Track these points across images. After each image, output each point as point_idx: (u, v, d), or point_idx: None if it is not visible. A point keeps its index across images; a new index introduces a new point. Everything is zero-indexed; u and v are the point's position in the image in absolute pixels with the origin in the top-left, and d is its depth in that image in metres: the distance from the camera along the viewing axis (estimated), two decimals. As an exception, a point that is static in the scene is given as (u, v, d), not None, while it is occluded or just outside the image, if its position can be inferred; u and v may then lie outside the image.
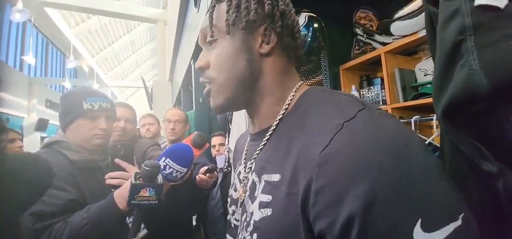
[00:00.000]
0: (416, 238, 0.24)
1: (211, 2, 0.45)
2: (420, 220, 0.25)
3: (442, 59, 0.32)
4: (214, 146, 1.92)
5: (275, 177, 0.37)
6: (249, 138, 0.50)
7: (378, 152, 0.27)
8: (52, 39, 9.36)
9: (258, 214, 0.37)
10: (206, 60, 0.44)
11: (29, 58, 6.45)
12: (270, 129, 0.42)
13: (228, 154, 1.49)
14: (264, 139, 0.42)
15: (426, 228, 0.24)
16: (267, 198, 0.37)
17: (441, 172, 0.28)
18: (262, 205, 0.37)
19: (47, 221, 0.72)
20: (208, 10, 0.45)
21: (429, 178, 0.27)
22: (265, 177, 0.39)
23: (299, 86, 0.43)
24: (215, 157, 1.76)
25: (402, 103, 1.27)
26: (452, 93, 0.30)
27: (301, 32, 1.21)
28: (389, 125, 0.31)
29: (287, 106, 0.42)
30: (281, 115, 0.41)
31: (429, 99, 1.13)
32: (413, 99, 1.23)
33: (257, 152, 0.43)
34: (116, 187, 0.81)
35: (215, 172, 1.28)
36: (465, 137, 0.31)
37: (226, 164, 1.52)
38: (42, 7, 6.89)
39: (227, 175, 1.54)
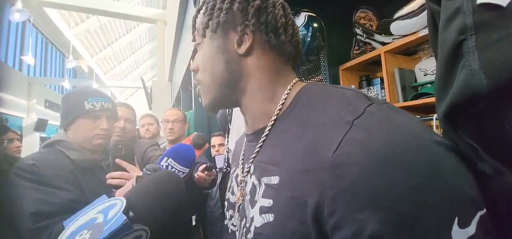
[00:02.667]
0: (455, 237, 0.23)
1: (197, 9, 0.46)
2: (456, 218, 0.24)
3: (443, 60, 0.31)
4: (214, 146, 1.92)
5: (275, 179, 0.35)
6: (245, 138, 0.48)
7: (399, 151, 0.25)
8: (51, 39, 9.34)
9: (259, 220, 0.35)
10: (196, 63, 0.45)
11: (29, 58, 6.43)
12: (266, 129, 0.40)
13: (227, 154, 1.49)
14: (260, 140, 0.41)
15: (462, 224, 0.24)
16: (268, 202, 0.35)
17: (458, 161, 0.27)
18: (263, 210, 0.35)
19: (48, 221, 0.72)
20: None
21: (453, 171, 0.26)
22: (265, 180, 0.37)
23: (294, 83, 0.41)
24: (214, 156, 1.76)
25: (402, 104, 1.27)
26: (453, 94, 0.29)
27: (301, 32, 1.22)
28: (401, 119, 0.29)
29: (282, 104, 0.40)
30: (276, 114, 0.40)
31: (429, 99, 1.14)
32: (413, 99, 1.23)
33: (254, 154, 0.41)
34: (117, 187, 0.81)
35: (214, 170, 1.29)
36: (462, 137, 0.30)
37: (225, 164, 1.51)
38: (42, 7, 6.88)
39: (226, 176, 1.54)
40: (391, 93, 1.30)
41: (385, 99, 1.34)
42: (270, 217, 0.34)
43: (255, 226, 0.36)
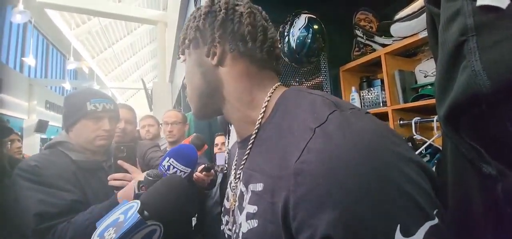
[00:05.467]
0: None
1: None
2: (399, 225, 0.24)
3: (444, 61, 0.32)
4: (217, 144, 1.94)
5: (259, 187, 0.36)
6: (237, 146, 0.50)
7: (352, 159, 0.27)
8: (52, 41, 9.36)
9: (245, 226, 0.37)
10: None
11: (30, 60, 6.45)
12: (252, 136, 0.41)
13: (228, 154, 1.50)
14: (247, 147, 0.42)
15: (405, 233, 0.24)
16: (253, 209, 0.36)
17: (414, 168, 0.27)
18: (249, 216, 0.36)
19: (51, 222, 0.72)
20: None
21: (404, 179, 0.26)
22: (251, 186, 0.38)
23: (275, 88, 0.43)
24: (215, 154, 1.77)
25: (402, 105, 1.28)
26: (455, 95, 0.29)
27: (301, 34, 1.22)
28: (362, 126, 0.30)
29: (263, 111, 0.41)
30: (259, 121, 0.41)
31: (429, 101, 1.14)
32: (413, 101, 1.24)
33: (243, 161, 0.43)
34: (119, 188, 0.81)
35: (212, 171, 1.29)
36: (464, 139, 0.31)
37: (226, 165, 1.52)
38: (43, 9, 6.89)
39: (226, 176, 1.54)
40: (391, 95, 1.31)
41: (386, 101, 1.34)
42: (254, 223, 0.35)
43: (242, 232, 0.37)
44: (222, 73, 0.44)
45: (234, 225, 0.42)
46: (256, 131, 0.41)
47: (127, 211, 0.58)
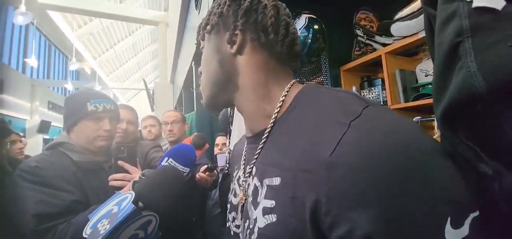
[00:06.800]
0: (448, 237, 0.24)
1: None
2: (449, 218, 0.24)
3: (440, 62, 0.32)
4: (218, 144, 1.94)
5: (276, 181, 0.36)
6: (246, 141, 0.49)
7: (393, 153, 0.26)
8: (54, 42, 9.41)
9: (262, 221, 0.36)
10: (201, 64, 0.50)
11: (32, 61, 6.48)
12: (266, 131, 0.41)
13: (229, 155, 1.50)
14: (261, 142, 0.42)
15: (455, 225, 0.24)
16: (270, 203, 0.35)
17: (449, 163, 0.27)
18: (266, 211, 0.36)
19: (51, 222, 0.73)
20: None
21: (445, 172, 0.27)
22: (267, 181, 0.37)
23: (292, 84, 0.43)
24: (216, 155, 1.77)
25: (403, 104, 1.27)
26: (451, 95, 0.30)
27: (301, 34, 1.22)
28: (396, 121, 0.29)
29: (280, 106, 0.41)
30: (275, 116, 0.41)
31: (430, 100, 1.13)
32: (414, 100, 1.23)
33: (256, 156, 0.42)
34: (119, 188, 0.81)
35: (215, 171, 1.29)
36: (461, 138, 0.31)
37: (227, 165, 1.52)
38: (45, 10, 6.93)
39: (227, 176, 1.54)
40: (392, 94, 1.30)
41: (386, 101, 1.34)
42: (272, 218, 0.35)
43: (258, 227, 0.36)
44: (239, 63, 0.43)
45: (247, 221, 0.40)
46: (271, 125, 0.41)
47: (121, 202, 0.57)
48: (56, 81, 9.89)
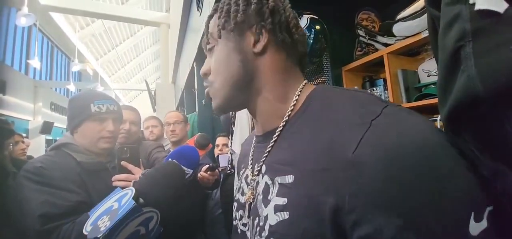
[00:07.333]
0: (472, 231, 0.24)
1: (209, 15, 0.48)
2: (473, 213, 0.25)
3: (444, 65, 0.32)
4: (218, 145, 1.94)
5: (289, 178, 0.36)
6: (254, 139, 0.49)
7: (417, 151, 0.27)
8: (57, 43, 9.47)
9: (274, 218, 0.36)
10: (207, 67, 0.47)
11: (35, 62, 6.53)
12: (278, 130, 0.41)
13: (231, 155, 1.50)
14: (272, 140, 0.42)
15: (477, 218, 0.25)
16: (282, 201, 0.35)
17: (466, 161, 0.28)
18: (278, 209, 0.35)
19: (56, 222, 0.73)
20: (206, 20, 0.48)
21: (465, 170, 0.27)
22: (279, 179, 0.37)
23: (304, 85, 0.43)
24: (218, 156, 1.77)
25: (406, 105, 1.27)
26: (454, 98, 0.30)
27: (304, 34, 1.22)
28: (416, 121, 0.30)
29: (293, 105, 0.41)
30: (288, 115, 0.41)
31: (433, 100, 1.13)
32: (416, 100, 1.23)
33: (266, 154, 0.42)
34: (123, 188, 0.82)
35: (217, 170, 1.29)
36: (465, 139, 0.31)
37: (229, 165, 1.52)
38: (47, 12, 6.97)
39: (228, 177, 1.54)
40: (394, 94, 1.30)
41: (389, 100, 1.34)
42: (285, 215, 0.34)
43: (270, 224, 0.36)
44: (261, 63, 0.42)
45: (256, 218, 0.40)
46: (284, 124, 0.41)
47: (121, 199, 0.56)
48: (59, 82, 9.95)
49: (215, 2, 0.47)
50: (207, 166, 1.24)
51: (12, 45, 7.26)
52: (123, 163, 0.88)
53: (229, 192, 1.37)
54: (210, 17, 0.47)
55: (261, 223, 0.39)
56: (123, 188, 0.82)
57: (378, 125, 0.29)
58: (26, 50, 7.85)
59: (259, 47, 0.42)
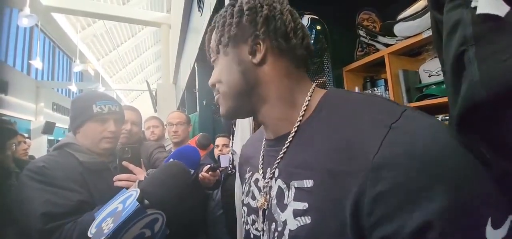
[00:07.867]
0: (489, 237, 0.25)
1: (206, 29, 0.48)
2: (490, 218, 0.25)
3: (449, 68, 0.32)
4: (218, 145, 1.94)
5: (308, 183, 0.35)
6: (264, 143, 0.49)
7: (440, 155, 0.27)
8: (58, 44, 9.50)
9: (293, 223, 0.36)
10: (214, 78, 0.48)
11: (37, 63, 6.54)
12: (290, 135, 0.41)
13: (232, 156, 1.50)
14: (284, 145, 0.41)
15: (495, 225, 0.25)
16: (303, 205, 0.35)
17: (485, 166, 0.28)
18: (298, 213, 0.35)
19: (58, 222, 0.73)
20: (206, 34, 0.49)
21: (485, 174, 0.27)
22: (295, 183, 0.37)
23: (314, 89, 0.43)
24: (218, 156, 1.78)
25: (407, 105, 1.27)
26: (461, 103, 0.30)
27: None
28: (434, 124, 0.30)
29: (304, 110, 0.41)
30: (300, 119, 0.40)
31: (434, 101, 1.13)
32: (417, 100, 1.23)
33: (279, 159, 0.42)
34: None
35: (218, 171, 1.29)
36: (474, 141, 0.31)
37: (230, 165, 1.52)
38: (49, 12, 7.00)
39: (228, 177, 1.55)
40: (395, 95, 1.30)
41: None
42: (306, 220, 0.34)
43: (289, 229, 0.36)
44: (262, 72, 0.42)
45: (273, 223, 0.40)
46: (296, 129, 0.40)
47: (126, 200, 0.56)
48: (61, 83, 9.98)
49: (213, 12, 0.47)
50: (209, 166, 1.24)
51: (14, 46, 7.29)
52: (124, 163, 0.88)
53: (230, 192, 1.37)
54: (211, 30, 0.48)
55: (279, 229, 0.38)
56: (124, 188, 0.83)
57: (398, 128, 0.29)
58: (28, 51, 7.88)
59: (258, 57, 0.42)
